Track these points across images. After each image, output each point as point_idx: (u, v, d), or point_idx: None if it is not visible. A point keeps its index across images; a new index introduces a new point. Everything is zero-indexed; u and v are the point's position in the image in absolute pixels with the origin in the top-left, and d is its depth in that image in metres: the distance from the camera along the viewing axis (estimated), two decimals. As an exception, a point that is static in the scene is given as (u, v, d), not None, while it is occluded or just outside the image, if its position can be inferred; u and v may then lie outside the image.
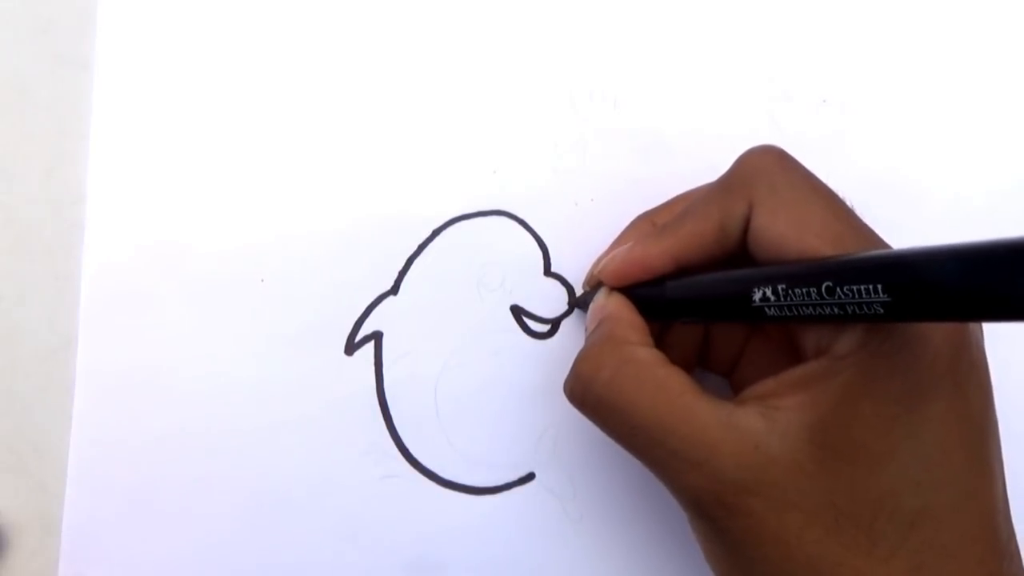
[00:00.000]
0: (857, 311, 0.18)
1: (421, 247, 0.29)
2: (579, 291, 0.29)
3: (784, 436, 0.20)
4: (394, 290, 0.29)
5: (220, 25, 0.30)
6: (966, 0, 0.31)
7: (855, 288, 0.17)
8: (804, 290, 0.19)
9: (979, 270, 0.15)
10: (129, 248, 0.29)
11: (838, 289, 0.18)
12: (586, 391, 0.23)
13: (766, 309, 0.20)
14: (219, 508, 0.28)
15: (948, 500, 0.20)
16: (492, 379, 0.29)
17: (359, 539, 0.28)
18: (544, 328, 0.29)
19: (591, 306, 0.26)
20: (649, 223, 0.27)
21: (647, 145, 0.30)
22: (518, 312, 0.29)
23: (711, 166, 0.24)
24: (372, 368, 0.29)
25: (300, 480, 0.28)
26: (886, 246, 0.21)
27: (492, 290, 0.29)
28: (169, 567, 0.28)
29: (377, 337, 0.29)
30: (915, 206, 0.30)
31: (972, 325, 0.21)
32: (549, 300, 0.29)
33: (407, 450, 0.28)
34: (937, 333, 0.20)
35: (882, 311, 0.17)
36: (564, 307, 0.29)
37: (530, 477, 0.29)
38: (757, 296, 0.20)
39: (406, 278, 0.29)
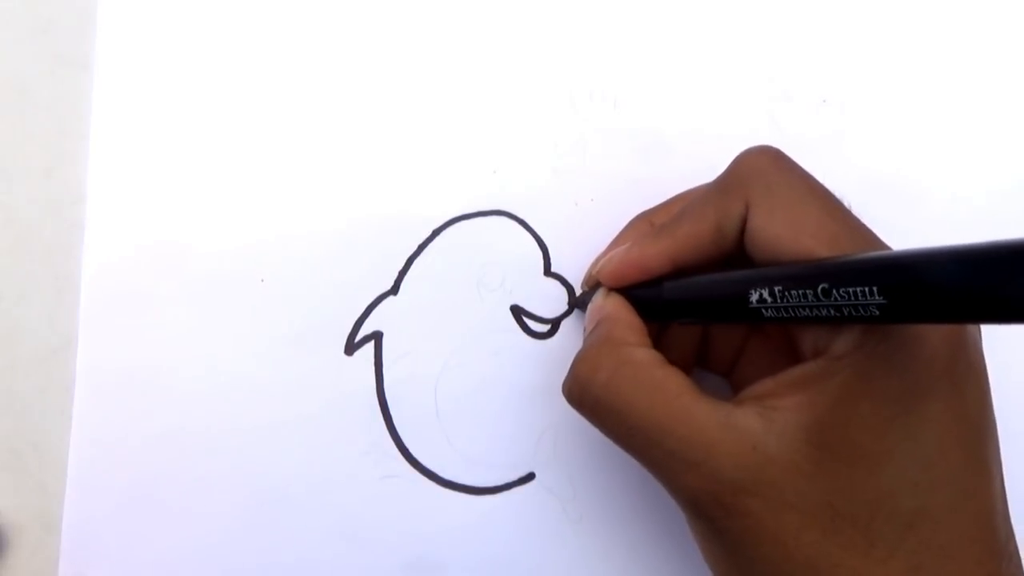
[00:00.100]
0: (853, 313, 0.18)
1: (421, 247, 0.29)
2: (579, 291, 0.29)
3: (782, 436, 0.20)
4: (394, 290, 0.29)
5: (220, 25, 0.30)
6: (966, 0, 0.31)
7: (851, 290, 0.18)
8: (800, 292, 0.19)
9: (975, 272, 0.15)
10: (129, 248, 0.29)
11: (834, 291, 0.18)
12: (584, 392, 0.23)
13: (763, 310, 0.20)
14: (219, 508, 0.28)
15: (946, 501, 0.20)
16: (492, 379, 0.29)
17: (359, 539, 0.28)
18: (544, 328, 0.29)
19: (589, 307, 0.26)
20: (647, 223, 0.27)
21: (647, 145, 0.30)
22: (518, 312, 0.29)
23: (711, 166, 0.24)
24: (372, 368, 0.29)
25: (300, 480, 0.28)
26: (884, 246, 0.21)
27: (492, 290, 0.29)
28: (169, 567, 0.28)
29: (377, 337, 0.29)
30: (915, 206, 0.30)
31: (970, 326, 0.21)
32: (549, 300, 0.29)
33: (407, 450, 0.28)
34: (934, 334, 0.20)
35: (877, 313, 0.17)
36: (564, 307, 0.29)
37: (530, 477, 0.29)
38: (754, 297, 0.20)
39: (406, 278, 0.29)
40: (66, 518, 0.28)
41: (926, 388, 0.20)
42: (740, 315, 0.21)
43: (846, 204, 0.22)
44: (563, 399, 0.24)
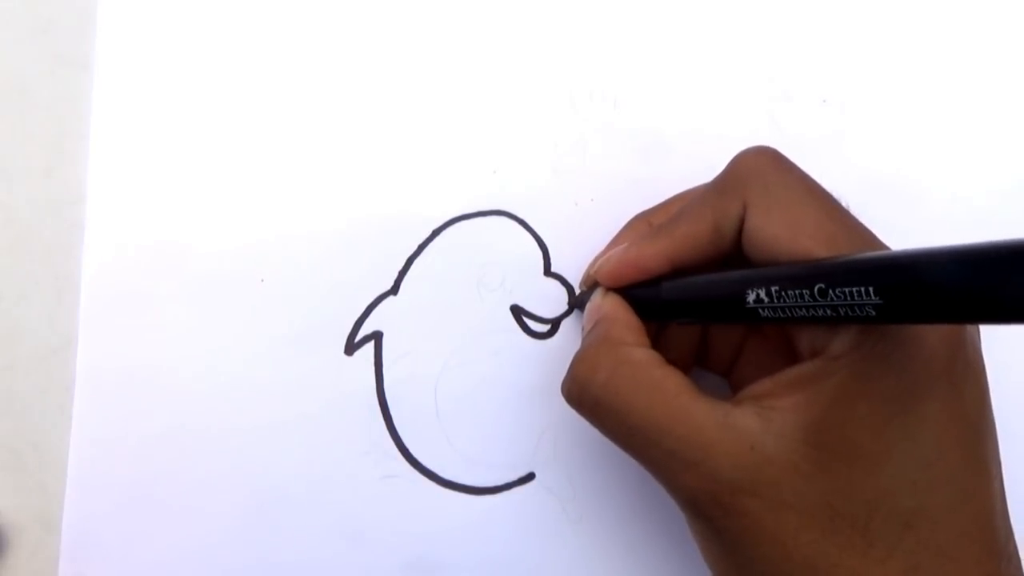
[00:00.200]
0: (849, 313, 0.18)
1: (421, 247, 0.29)
2: (579, 291, 0.29)
3: (780, 436, 0.20)
4: (394, 290, 0.29)
5: (220, 25, 0.30)
6: (966, 0, 0.31)
7: (847, 290, 0.18)
8: (797, 292, 0.19)
9: (972, 272, 0.15)
10: (129, 248, 0.29)
11: (830, 291, 0.18)
12: (583, 392, 0.23)
13: (760, 310, 0.20)
14: (219, 508, 0.28)
15: (944, 500, 0.20)
16: (492, 379, 0.29)
17: (359, 539, 0.28)
18: (544, 328, 0.29)
19: (587, 307, 0.26)
20: (645, 223, 0.27)
21: (647, 145, 0.30)
22: (518, 312, 0.29)
23: (711, 166, 0.24)
24: (372, 368, 0.29)
25: (300, 480, 0.28)
26: (882, 246, 0.21)
27: (492, 290, 0.29)
28: (169, 567, 0.28)
29: (377, 337, 0.29)
30: (915, 206, 0.30)
31: (968, 326, 0.21)
32: (549, 300, 0.29)
33: (407, 450, 0.28)
34: (932, 334, 0.20)
35: (874, 313, 0.17)
36: (564, 307, 0.29)
37: (530, 477, 0.29)
38: (751, 298, 0.20)
39: (406, 278, 0.29)
40: (66, 518, 0.28)
41: (924, 388, 0.20)
42: (737, 315, 0.21)
43: (844, 204, 0.22)
44: (563, 399, 0.24)
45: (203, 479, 0.28)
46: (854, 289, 0.17)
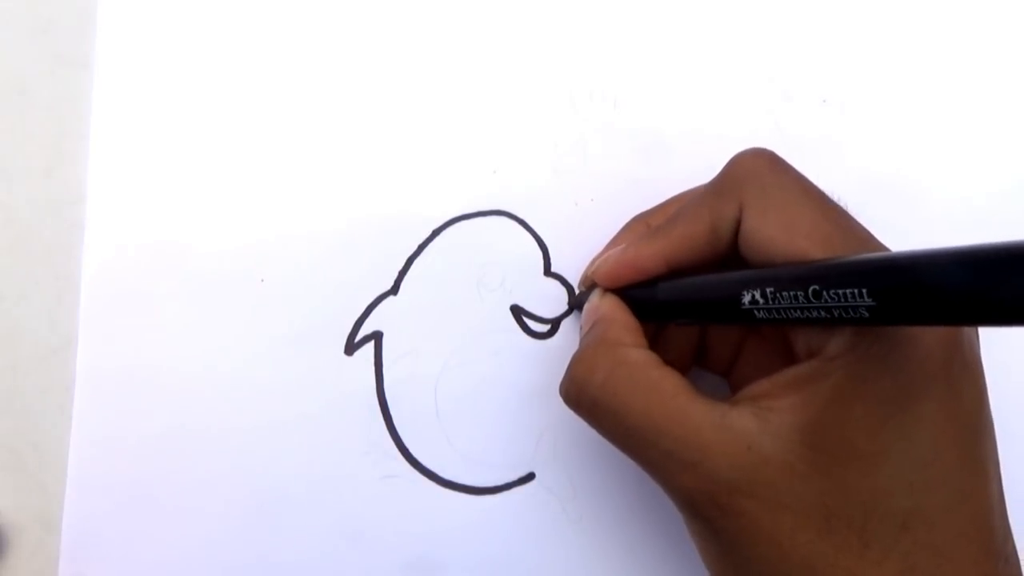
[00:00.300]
0: (843, 315, 0.18)
1: (421, 247, 0.29)
2: (578, 292, 0.29)
3: (776, 437, 0.20)
4: (394, 290, 0.29)
5: (220, 25, 0.30)
6: (966, 0, 0.31)
7: (840, 292, 0.18)
8: (791, 293, 0.19)
9: (965, 275, 0.15)
10: (129, 248, 0.29)
11: (824, 293, 0.18)
12: (580, 393, 0.23)
13: (755, 312, 0.20)
14: (219, 508, 0.28)
15: (941, 501, 0.20)
16: (492, 379, 0.29)
17: (359, 539, 0.28)
18: (544, 328, 0.29)
19: (585, 307, 0.26)
20: (644, 224, 0.27)
21: (647, 145, 0.30)
22: (518, 312, 0.29)
23: (711, 166, 0.24)
24: (372, 368, 0.29)
25: (300, 480, 0.28)
26: (880, 247, 0.21)
27: (492, 290, 0.29)
28: (169, 567, 0.28)
29: (377, 337, 0.29)
30: (915, 207, 0.30)
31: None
32: (549, 300, 0.29)
33: (407, 450, 0.28)
34: (928, 334, 0.20)
35: (867, 315, 0.17)
36: (564, 307, 0.29)
37: (530, 477, 0.29)
38: (746, 299, 0.20)
39: (406, 278, 0.29)
40: (66, 518, 0.28)
41: (920, 389, 0.20)
42: (733, 316, 0.21)
43: (842, 204, 0.22)
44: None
45: (203, 479, 0.28)
46: (847, 291, 0.17)
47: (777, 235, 0.21)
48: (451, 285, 0.29)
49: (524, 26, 0.30)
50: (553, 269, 0.29)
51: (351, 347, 0.29)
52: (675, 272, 0.24)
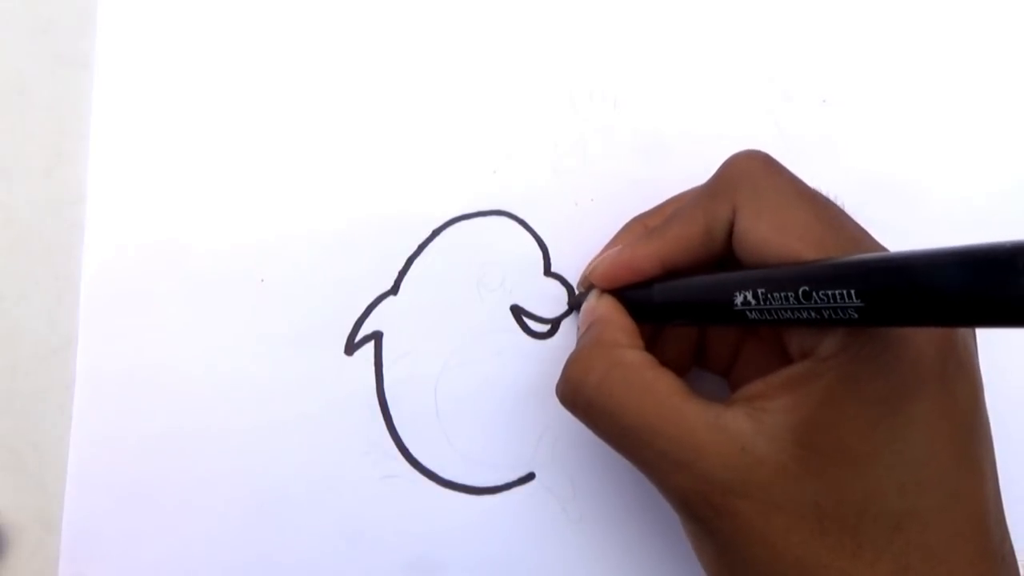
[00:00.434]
0: (833, 315, 0.18)
1: (421, 247, 0.29)
2: (577, 292, 0.29)
3: (770, 438, 0.20)
4: (394, 290, 0.29)
5: (220, 25, 0.30)
6: (966, 0, 0.31)
7: (830, 293, 0.18)
8: (782, 294, 0.19)
9: (953, 275, 0.15)
10: (129, 248, 0.29)
11: (814, 294, 0.18)
12: (576, 394, 0.23)
13: (748, 312, 0.20)
14: (219, 507, 0.28)
15: (935, 502, 0.20)
16: (492, 379, 0.29)
17: (359, 539, 0.28)
18: (544, 328, 0.29)
19: (582, 308, 0.27)
20: (641, 225, 0.27)
21: (647, 145, 0.30)
22: (518, 312, 0.29)
23: (711, 166, 0.24)
24: (372, 368, 0.29)
25: (300, 480, 0.28)
26: (875, 247, 0.21)
27: (492, 290, 0.29)
28: (169, 566, 0.28)
29: (377, 337, 0.29)
30: (914, 207, 0.30)
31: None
32: (549, 300, 0.29)
33: (407, 450, 0.28)
34: (921, 335, 0.20)
35: (856, 316, 0.17)
36: (564, 307, 0.29)
37: (530, 477, 0.29)
38: (739, 300, 0.20)
39: (406, 278, 0.29)
40: (66, 518, 0.28)
41: (913, 389, 0.20)
42: (727, 317, 0.21)
43: (840, 204, 0.22)
44: (561, 400, 0.24)
45: (203, 479, 0.28)
46: (837, 291, 0.17)
47: (770, 236, 0.21)
48: (451, 285, 0.29)
49: (524, 26, 0.30)
50: (553, 269, 0.29)
51: (351, 347, 0.29)
52: (671, 273, 0.24)
